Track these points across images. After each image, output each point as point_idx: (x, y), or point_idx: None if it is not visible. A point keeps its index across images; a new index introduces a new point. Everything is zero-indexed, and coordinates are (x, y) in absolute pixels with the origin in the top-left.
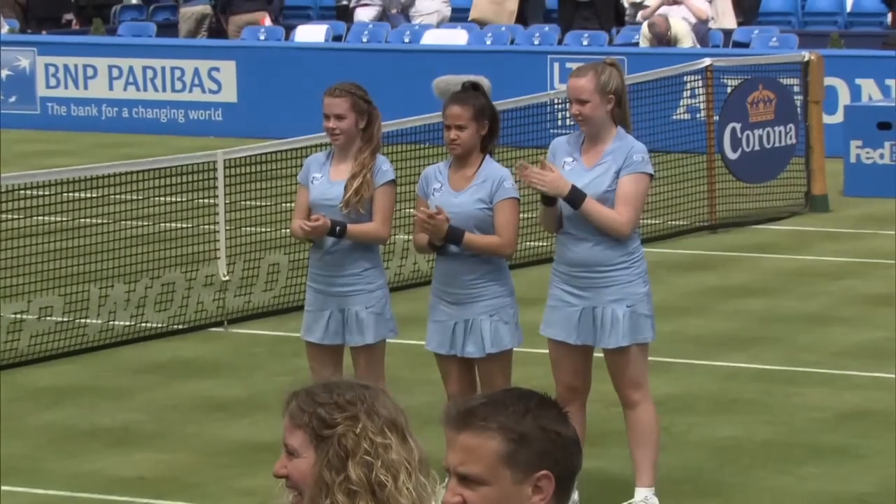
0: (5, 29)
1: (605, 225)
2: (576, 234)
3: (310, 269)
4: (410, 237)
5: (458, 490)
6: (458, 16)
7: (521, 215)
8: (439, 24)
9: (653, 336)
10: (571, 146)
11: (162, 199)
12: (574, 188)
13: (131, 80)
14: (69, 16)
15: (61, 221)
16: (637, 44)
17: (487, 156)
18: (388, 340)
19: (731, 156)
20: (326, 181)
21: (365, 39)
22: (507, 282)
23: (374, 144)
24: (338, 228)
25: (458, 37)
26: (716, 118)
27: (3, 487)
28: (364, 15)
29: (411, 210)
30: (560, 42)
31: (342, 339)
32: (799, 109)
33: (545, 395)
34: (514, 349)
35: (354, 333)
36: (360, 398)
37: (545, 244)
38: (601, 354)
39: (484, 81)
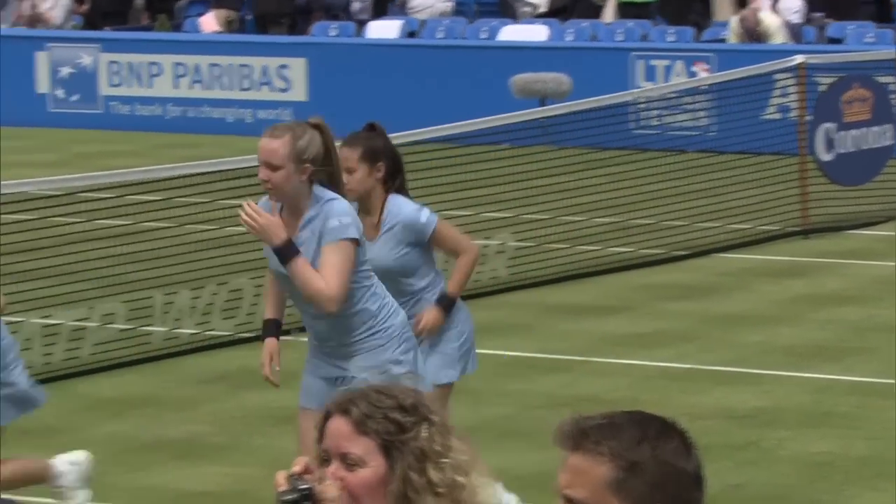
0: (69, 25)
1: (311, 295)
2: (307, 310)
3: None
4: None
5: None
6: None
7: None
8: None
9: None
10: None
11: (228, 201)
12: (289, 241)
13: (197, 77)
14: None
15: (124, 225)
16: (725, 40)
17: (389, 196)
18: None
19: (825, 157)
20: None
21: (441, 35)
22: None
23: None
24: None
25: (537, 33)
26: (808, 118)
27: None
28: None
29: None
30: (644, 38)
31: None
32: None
33: (670, 422)
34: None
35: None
36: (420, 401)
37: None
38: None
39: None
